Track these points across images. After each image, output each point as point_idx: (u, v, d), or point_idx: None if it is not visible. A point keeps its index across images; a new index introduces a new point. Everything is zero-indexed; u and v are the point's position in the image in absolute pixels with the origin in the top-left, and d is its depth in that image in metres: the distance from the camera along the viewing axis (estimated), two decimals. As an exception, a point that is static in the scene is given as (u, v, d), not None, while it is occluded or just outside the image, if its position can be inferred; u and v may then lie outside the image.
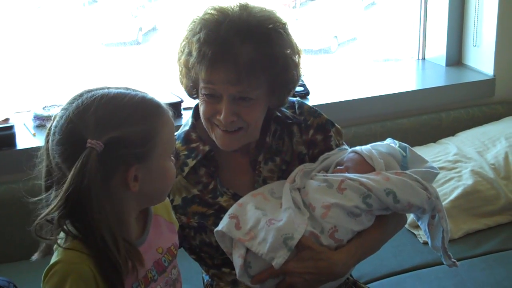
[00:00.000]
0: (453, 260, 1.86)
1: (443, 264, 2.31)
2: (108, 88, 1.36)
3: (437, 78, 3.24)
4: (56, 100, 2.73)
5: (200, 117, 1.79)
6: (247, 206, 1.74)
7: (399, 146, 1.89)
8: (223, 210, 1.76)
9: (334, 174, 1.81)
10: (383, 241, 1.83)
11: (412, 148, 1.90)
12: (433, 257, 2.40)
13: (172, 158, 1.43)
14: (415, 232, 2.55)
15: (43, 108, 2.68)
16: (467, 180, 2.63)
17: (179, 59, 1.76)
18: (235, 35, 1.65)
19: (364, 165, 1.82)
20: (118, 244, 1.29)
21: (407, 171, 1.81)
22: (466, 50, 3.29)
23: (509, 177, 2.69)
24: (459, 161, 2.74)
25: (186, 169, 1.80)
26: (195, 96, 1.80)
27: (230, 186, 1.82)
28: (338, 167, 1.85)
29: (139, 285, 1.38)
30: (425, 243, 2.47)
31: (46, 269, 1.31)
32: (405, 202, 1.73)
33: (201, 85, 1.71)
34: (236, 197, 1.79)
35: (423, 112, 3.07)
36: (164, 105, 1.39)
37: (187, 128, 1.84)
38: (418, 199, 1.74)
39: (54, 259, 1.32)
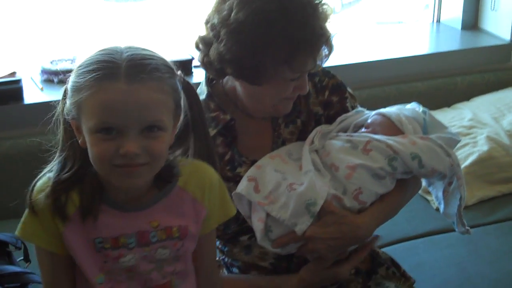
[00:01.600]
0: (467, 227, 1.82)
1: (454, 231, 2.31)
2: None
3: (452, 41, 3.17)
4: (64, 54, 2.67)
5: (216, 86, 1.76)
6: (266, 169, 1.69)
7: (422, 111, 1.85)
8: None
9: (358, 134, 1.76)
10: (402, 205, 1.80)
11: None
12: (446, 224, 2.34)
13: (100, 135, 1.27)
14: (428, 198, 2.52)
15: (51, 62, 2.62)
16: (482, 146, 2.58)
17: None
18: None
19: (393, 129, 1.77)
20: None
21: (431, 136, 1.77)
22: (483, 14, 3.21)
23: (524, 144, 2.64)
24: (474, 126, 2.69)
25: None
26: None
27: (249, 154, 1.76)
28: (365, 130, 1.80)
29: (103, 242, 1.33)
30: (438, 209, 2.44)
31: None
32: (429, 168, 1.69)
33: (285, 72, 1.62)
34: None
35: (438, 76, 3.01)
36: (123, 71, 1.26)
37: (203, 97, 1.75)
38: (442, 166, 1.70)
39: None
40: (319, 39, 1.59)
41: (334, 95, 1.84)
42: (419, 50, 3.04)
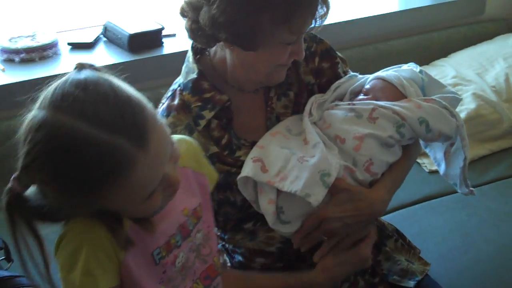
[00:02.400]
0: (470, 188, 1.75)
1: (452, 193, 2.26)
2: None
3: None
4: (23, 31, 2.47)
5: (204, 60, 1.63)
6: (270, 147, 1.57)
7: (419, 71, 1.76)
8: None
9: (362, 102, 1.66)
10: (409, 171, 1.72)
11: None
12: (441, 187, 2.31)
13: None
14: (419, 161, 2.45)
15: (9, 40, 2.41)
16: (470, 104, 2.52)
17: None
18: None
19: (396, 94, 1.68)
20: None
21: (434, 97, 1.68)
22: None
23: (511, 99, 2.59)
24: (458, 84, 2.62)
25: (202, 123, 1.57)
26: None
27: (245, 135, 1.63)
28: (365, 96, 1.69)
29: (160, 252, 1.20)
30: (432, 172, 2.39)
31: (56, 241, 1.13)
32: (437, 131, 1.62)
33: (282, 34, 1.48)
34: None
35: (414, 33, 2.92)
36: None
37: (193, 76, 1.60)
38: (448, 128, 1.63)
39: (62, 228, 1.13)
40: None
41: (325, 61, 1.73)
42: (390, 7, 2.93)
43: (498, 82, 2.63)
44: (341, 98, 1.74)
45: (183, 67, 1.66)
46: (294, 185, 1.50)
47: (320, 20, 1.54)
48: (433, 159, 1.81)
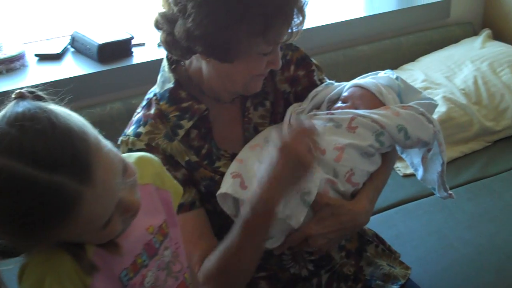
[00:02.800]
0: (449, 192, 1.77)
1: (427, 197, 2.27)
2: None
3: (391, 1, 3.09)
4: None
5: (179, 70, 1.60)
6: (249, 161, 1.55)
7: (395, 77, 1.76)
8: None
9: (340, 111, 1.65)
10: (388, 178, 1.72)
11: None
12: (416, 190, 2.32)
13: None
14: (393, 165, 2.46)
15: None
16: (440, 107, 2.54)
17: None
18: None
19: (374, 101, 1.68)
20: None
21: (412, 104, 1.69)
22: (418, -30, 3.15)
23: (480, 102, 2.62)
24: (428, 87, 2.64)
25: (181, 132, 1.55)
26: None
27: (226, 146, 1.61)
28: (343, 104, 1.69)
29: (127, 273, 1.15)
30: (406, 176, 2.40)
31: (18, 271, 1.08)
32: (415, 138, 1.62)
33: (259, 45, 1.46)
34: (235, 157, 1.59)
35: (382, 38, 2.94)
36: None
37: (170, 85, 1.58)
38: (426, 134, 1.64)
39: (24, 258, 1.08)
40: (293, 5, 1.45)
41: (300, 69, 1.72)
42: (358, 13, 2.94)
43: (467, 85, 2.66)
44: (318, 107, 1.73)
45: (159, 77, 1.63)
46: None
47: (296, 30, 1.53)
48: (409, 164, 1.81)
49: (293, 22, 1.48)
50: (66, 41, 2.51)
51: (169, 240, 1.27)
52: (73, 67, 2.39)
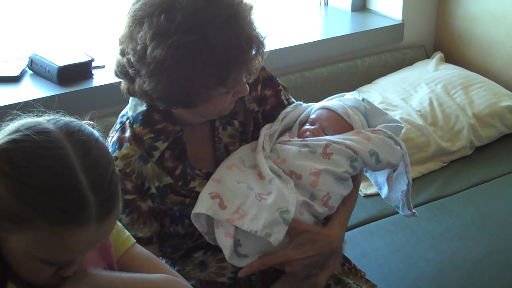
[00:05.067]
0: (413, 211, 1.81)
1: (388, 216, 2.31)
2: None
3: (345, 24, 3.14)
4: None
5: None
6: (227, 181, 1.56)
7: (361, 99, 1.80)
8: None
9: (314, 138, 1.68)
10: (356, 200, 1.76)
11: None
12: (377, 210, 2.36)
13: None
14: (353, 185, 2.49)
15: None
16: (398, 129, 2.58)
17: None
18: None
19: (342, 123, 1.72)
20: None
21: (380, 128, 1.73)
22: (372, -5, 3.23)
23: (436, 123, 2.68)
24: (386, 109, 2.68)
25: (156, 154, 1.55)
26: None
27: (201, 166, 1.62)
28: (311, 127, 1.71)
29: None
30: (367, 196, 2.43)
31: None
32: (385, 162, 1.67)
33: (219, 91, 1.46)
34: (210, 176, 1.60)
35: (339, 60, 2.98)
36: None
37: (142, 108, 1.58)
38: (395, 158, 1.69)
39: None
40: (248, 52, 1.44)
41: (267, 89, 1.75)
42: (314, 36, 2.98)
43: (423, 106, 2.72)
44: (289, 128, 1.75)
45: (130, 100, 1.63)
46: (253, 225, 1.50)
47: (256, 71, 1.53)
48: (374, 183, 1.85)
49: (252, 65, 1.47)
50: (23, 63, 2.47)
51: None
52: (32, 90, 2.35)
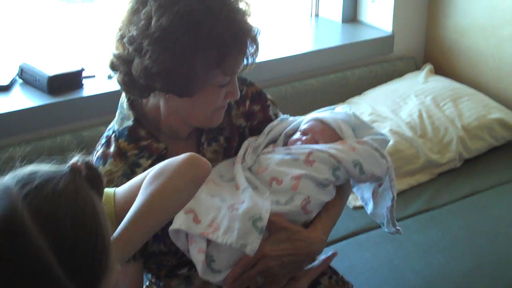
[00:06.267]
0: (397, 228, 1.81)
1: (377, 228, 2.31)
2: None
3: (336, 36, 3.16)
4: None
5: (137, 108, 1.60)
6: (201, 196, 1.56)
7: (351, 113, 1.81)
8: None
9: (298, 146, 1.69)
10: (342, 209, 1.76)
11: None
12: (366, 222, 2.36)
13: None
14: (343, 197, 2.49)
15: None
16: (388, 141, 2.59)
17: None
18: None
19: (334, 136, 1.73)
20: None
21: (366, 139, 1.73)
22: (362, 6, 3.23)
23: (425, 135, 2.69)
24: (375, 121, 2.70)
25: (139, 171, 1.55)
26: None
27: None
28: (303, 137, 1.72)
29: None
30: (356, 208, 2.43)
31: None
32: (369, 174, 1.67)
33: (216, 77, 1.51)
34: None
35: (329, 72, 2.99)
36: None
37: (129, 123, 1.58)
38: (379, 170, 1.69)
39: None
40: (247, 34, 1.51)
41: (256, 104, 1.76)
42: (304, 47, 2.99)
43: (413, 118, 2.73)
44: (274, 141, 1.76)
45: (117, 113, 1.63)
46: (227, 237, 1.49)
47: (252, 58, 1.58)
48: (360, 198, 1.85)
49: (248, 51, 1.54)
50: (13, 72, 2.47)
51: None
52: (22, 99, 2.34)
